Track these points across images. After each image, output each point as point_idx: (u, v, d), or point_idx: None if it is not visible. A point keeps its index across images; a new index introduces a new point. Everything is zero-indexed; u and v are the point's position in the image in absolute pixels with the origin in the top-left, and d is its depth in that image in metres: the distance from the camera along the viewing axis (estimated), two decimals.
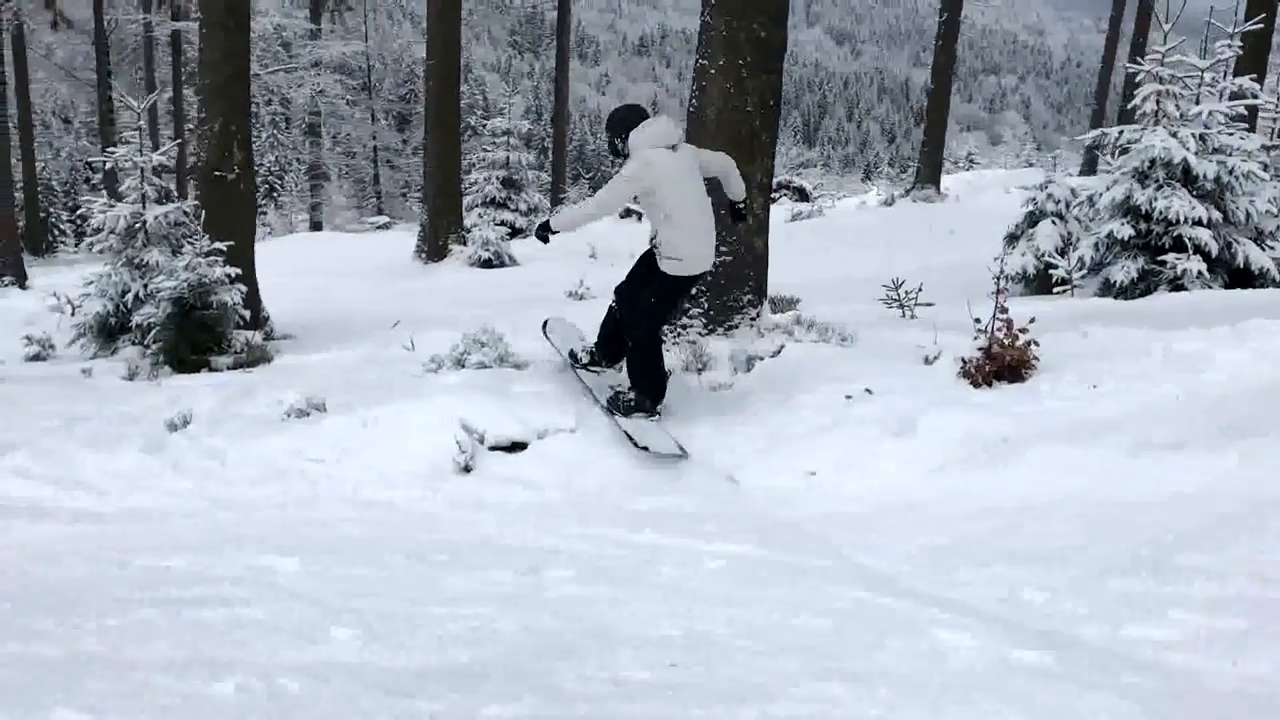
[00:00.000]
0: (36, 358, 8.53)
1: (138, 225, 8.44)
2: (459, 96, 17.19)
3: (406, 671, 2.72)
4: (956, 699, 2.54)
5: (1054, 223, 10.17)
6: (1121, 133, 9.59)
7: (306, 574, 3.64)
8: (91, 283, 8.58)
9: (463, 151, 18.06)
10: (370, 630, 3.03)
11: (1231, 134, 9.24)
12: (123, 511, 4.70)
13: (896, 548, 4.02)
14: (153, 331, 7.68)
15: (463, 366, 6.26)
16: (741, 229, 6.58)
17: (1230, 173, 8.92)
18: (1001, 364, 5.64)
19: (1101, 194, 9.45)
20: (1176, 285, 8.68)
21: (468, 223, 17.76)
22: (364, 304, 11.54)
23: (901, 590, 3.49)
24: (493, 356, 6.27)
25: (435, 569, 3.74)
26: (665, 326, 6.71)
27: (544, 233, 5.71)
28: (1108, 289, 9.13)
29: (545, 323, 6.58)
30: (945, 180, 23.07)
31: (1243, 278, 8.92)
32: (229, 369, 7.45)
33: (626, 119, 5.53)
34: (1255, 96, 10.01)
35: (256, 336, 8.12)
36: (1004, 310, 5.69)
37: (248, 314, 8.08)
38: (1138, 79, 9.80)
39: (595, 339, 6.10)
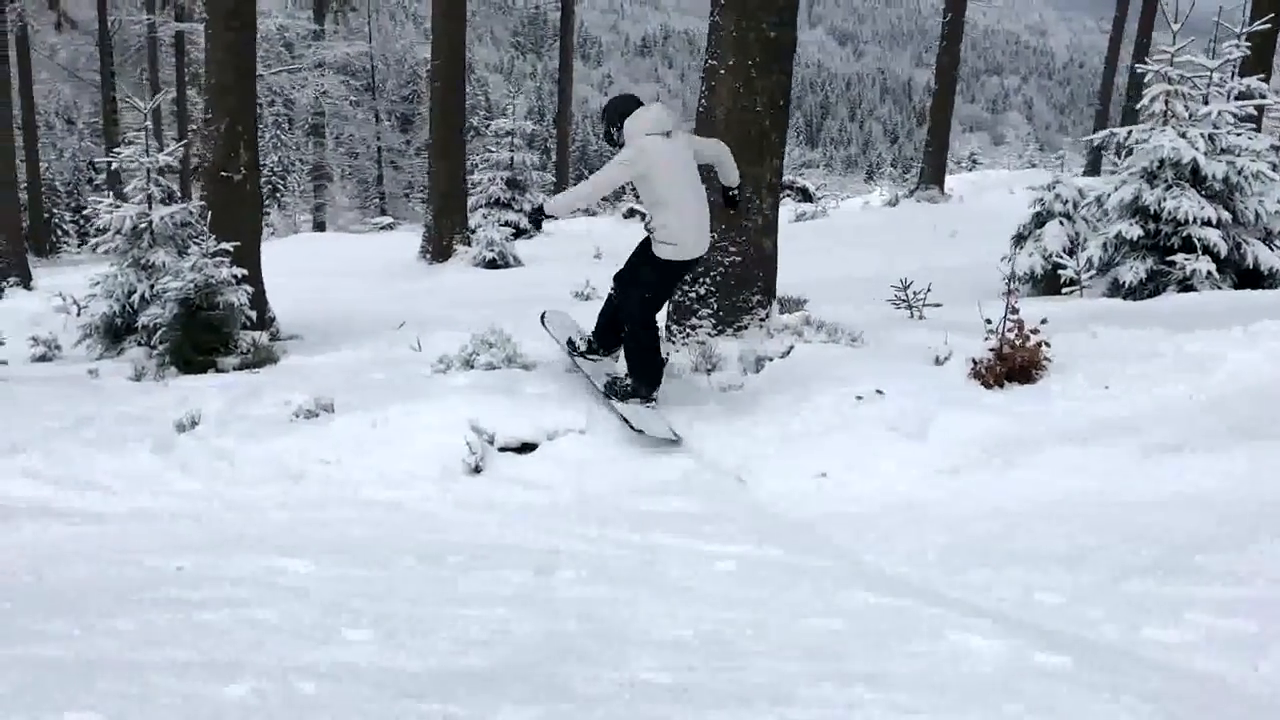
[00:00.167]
0: (42, 358, 8.53)
1: (144, 226, 8.43)
2: (464, 97, 17.18)
3: (422, 674, 2.70)
4: (978, 702, 2.52)
5: (1062, 223, 10.13)
6: (1130, 133, 9.55)
7: (317, 575, 3.63)
8: (98, 283, 8.57)
9: (466, 152, 18.05)
10: (384, 632, 3.01)
11: (1240, 134, 9.21)
12: (132, 512, 4.68)
13: (908, 549, 4.00)
14: (159, 332, 7.67)
15: (471, 367, 6.25)
16: (750, 229, 6.56)
17: (1239, 173, 8.89)
18: (1012, 365, 5.61)
19: (1110, 194, 9.41)
20: (1185, 286, 8.64)
21: (472, 223, 17.76)
22: (369, 304, 11.53)
23: (915, 592, 3.47)
24: (501, 357, 6.26)
25: (446, 570, 3.72)
26: (675, 327, 6.71)
27: (537, 216, 5.76)
28: (1116, 289, 9.09)
29: (543, 314, 6.62)
30: (949, 181, 23.03)
31: (1252, 278, 8.88)
32: (235, 370, 7.44)
33: (621, 107, 5.61)
34: (1263, 96, 9.97)
35: (263, 337, 8.11)
36: (1015, 311, 5.67)
37: (254, 314, 8.06)
38: (1146, 79, 9.76)
39: (593, 328, 6.11)
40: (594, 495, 4.96)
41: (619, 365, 5.91)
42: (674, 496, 4.87)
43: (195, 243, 7.86)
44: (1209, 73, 9.62)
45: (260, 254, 8.98)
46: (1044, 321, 5.70)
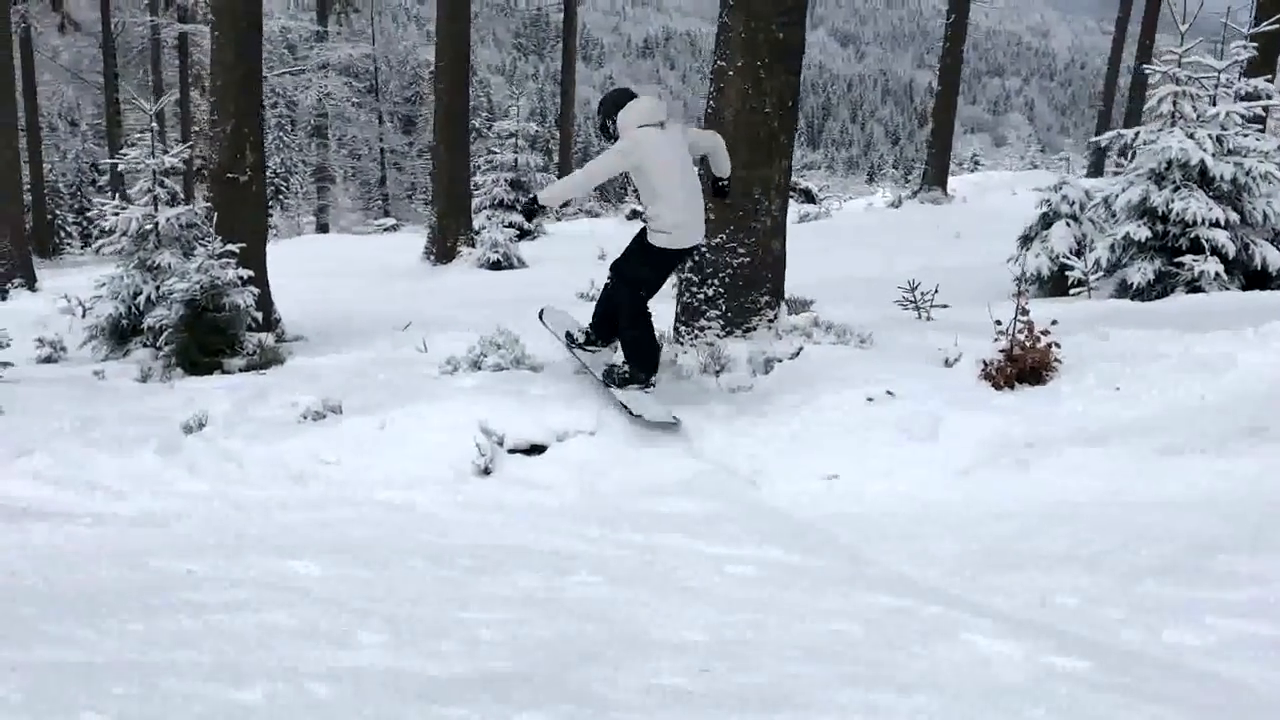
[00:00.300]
0: (48, 360, 8.50)
1: (149, 227, 8.41)
2: (468, 98, 17.17)
3: (439, 677, 2.67)
4: (999, 707, 2.49)
5: (1069, 224, 10.09)
6: (1138, 134, 9.52)
7: (328, 577, 3.60)
8: (103, 285, 8.55)
9: (470, 154, 18.03)
10: (398, 635, 2.98)
11: (1248, 135, 9.17)
12: (141, 514, 4.66)
13: (923, 551, 3.97)
14: (165, 333, 7.65)
15: (479, 368, 6.23)
16: (759, 230, 6.54)
17: (1247, 174, 8.85)
18: (1023, 366, 5.59)
19: (1117, 195, 9.38)
20: (1193, 287, 8.61)
21: (476, 225, 17.73)
22: (373, 305, 11.50)
23: (931, 595, 3.44)
24: (509, 358, 6.24)
25: (459, 572, 3.70)
26: (684, 329, 6.69)
27: (531, 206, 5.78)
28: (1124, 290, 9.06)
29: (541, 311, 6.63)
30: (952, 182, 23.02)
31: (1260, 279, 8.85)
32: (241, 371, 7.42)
33: (616, 100, 5.68)
34: (1270, 98, 9.94)
35: (269, 338, 8.08)
36: (1025, 312, 5.65)
37: (259, 316, 8.04)
38: (1153, 80, 9.73)
39: (590, 320, 6.13)
40: (604, 497, 4.94)
41: (616, 355, 5.95)
42: (685, 498, 4.85)
43: (201, 244, 7.84)
44: (1216, 73, 9.59)
45: (266, 255, 8.95)
46: (1054, 323, 5.68)
